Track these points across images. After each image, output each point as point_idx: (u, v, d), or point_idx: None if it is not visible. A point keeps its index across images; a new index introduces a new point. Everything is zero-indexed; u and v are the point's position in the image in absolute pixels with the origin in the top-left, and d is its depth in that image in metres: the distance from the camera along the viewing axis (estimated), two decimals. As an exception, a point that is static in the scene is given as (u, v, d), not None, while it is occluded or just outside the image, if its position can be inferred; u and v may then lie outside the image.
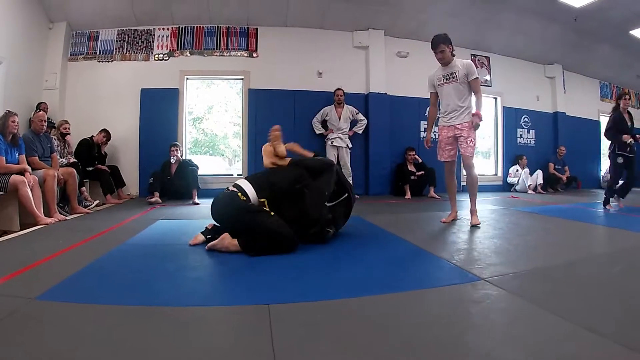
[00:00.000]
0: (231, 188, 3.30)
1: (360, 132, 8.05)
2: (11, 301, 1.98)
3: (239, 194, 3.18)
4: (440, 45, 4.45)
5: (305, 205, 3.23)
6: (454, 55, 4.55)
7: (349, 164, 7.78)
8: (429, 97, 4.85)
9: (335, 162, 7.45)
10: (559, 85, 10.74)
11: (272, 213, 3.11)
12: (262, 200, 3.22)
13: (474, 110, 4.48)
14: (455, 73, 4.48)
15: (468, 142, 4.43)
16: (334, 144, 7.81)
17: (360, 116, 7.98)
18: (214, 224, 3.49)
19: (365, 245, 3.39)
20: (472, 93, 4.53)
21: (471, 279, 2.37)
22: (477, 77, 4.49)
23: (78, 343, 1.56)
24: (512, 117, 10.17)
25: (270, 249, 2.96)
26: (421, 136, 8.93)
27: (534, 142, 10.41)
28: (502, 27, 9.16)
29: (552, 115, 10.71)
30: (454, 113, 4.55)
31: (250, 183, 3.30)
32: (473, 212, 4.47)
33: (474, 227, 4.32)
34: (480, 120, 4.43)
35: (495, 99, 10.16)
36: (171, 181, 6.98)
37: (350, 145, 7.90)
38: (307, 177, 3.37)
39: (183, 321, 1.79)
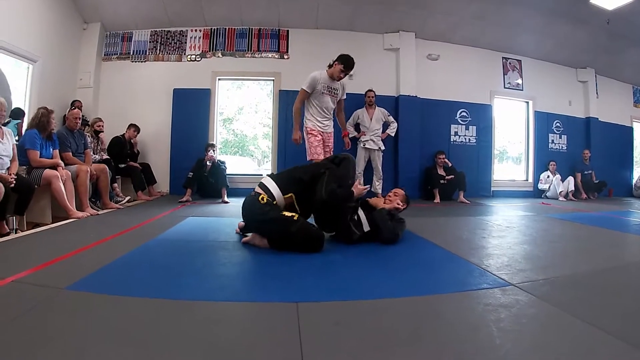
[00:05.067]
0: (256, 189, 3.31)
1: (392, 134, 7.91)
2: (41, 291, 2.05)
3: (261, 196, 3.18)
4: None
5: (322, 185, 3.24)
6: None
7: (380, 167, 7.61)
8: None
9: (365, 166, 7.48)
10: (592, 90, 10.39)
11: (296, 217, 3.10)
12: (289, 195, 3.24)
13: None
14: (337, 90, 5.36)
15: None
16: (366, 146, 7.59)
17: (391, 119, 7.85)
18: None
19: (393, 247, 3.35)
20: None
21: (501, 284, 2.33)
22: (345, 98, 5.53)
23: (105, 333, 1.59)
24: (543, 122, 9.90)
25: (297, 250, 3.02)
26: (451, 140, 8.87)
27: (565, 147, 10.09)
28: (532, 31, 8.93)
29: (584, 121, 10.38)
30: (329, 122, 5.40)
31: (275, 181, 3.31)
32: None
33: None
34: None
35: (527, 103, 9.94)
36: (207, 178, 7.03)
37: (383, 148, 7.69)
38: (330, 165, 3.45)
39: (211, 316, 1.81)
